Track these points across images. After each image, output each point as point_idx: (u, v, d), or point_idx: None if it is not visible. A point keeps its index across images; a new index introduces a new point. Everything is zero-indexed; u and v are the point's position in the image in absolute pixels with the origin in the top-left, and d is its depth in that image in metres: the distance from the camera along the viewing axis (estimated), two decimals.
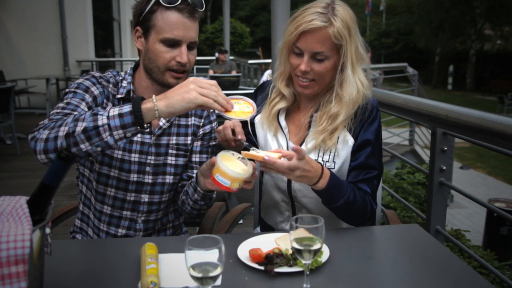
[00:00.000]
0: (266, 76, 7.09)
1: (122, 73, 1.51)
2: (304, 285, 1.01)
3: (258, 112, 1.57)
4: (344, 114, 1.41)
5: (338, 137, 1.44)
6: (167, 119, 1.50)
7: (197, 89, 1.15)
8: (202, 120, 1.58)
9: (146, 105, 1.14)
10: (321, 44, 1.36)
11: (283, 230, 1.54)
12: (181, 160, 1.54)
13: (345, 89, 1.41)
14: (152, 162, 1.49)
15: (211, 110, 1.57)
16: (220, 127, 1.33)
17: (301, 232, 0.98)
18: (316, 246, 0.98)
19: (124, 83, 1.47)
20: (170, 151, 1.52)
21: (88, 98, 1.38)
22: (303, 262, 0.99)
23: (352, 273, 1.13)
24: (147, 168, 1.49)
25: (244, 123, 1.35)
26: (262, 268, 1.10)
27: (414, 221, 4.00)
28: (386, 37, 34.33)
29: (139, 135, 1.47)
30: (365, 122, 1.44)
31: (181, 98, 1.14)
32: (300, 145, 1.48)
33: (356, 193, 1.38)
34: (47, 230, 0.91)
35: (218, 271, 0.88)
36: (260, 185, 1.68)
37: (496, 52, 30.22)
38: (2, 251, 0.79)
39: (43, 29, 9.67)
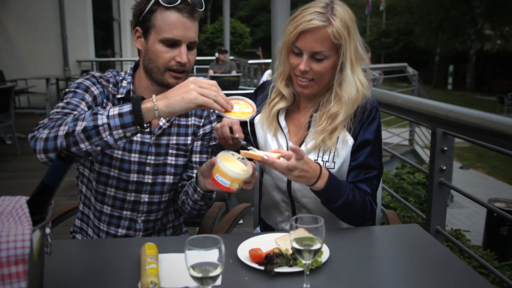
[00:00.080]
0: (266, 76, 7.09)
1: (122, 73, 1.51)
2: (304, 285, 1.01)
3: (258, 112, 1.57)
4: (343, 114, 1.41)
5: (337, 137, 1.44)
6: (167, 119, 1.50)
7: (197, 89, 1.15)
8: (202, 120, 1.58)
9: (146, 105, 1.14)
10: (320, 43, 1.36)
11: (283, 230, 1.54)
12: (181, 160, 1.54)
13: (344, 89, 1.41)
14: (152, 162, 1.49)
15: (211, 110, 1.57)
16: (218, 125, 1.34)
17: (301, 232, 0.98)
18: (316, 246, 0.98)
19: (124, 83, 1.47)
20: (170, 151, 1.52)
21: (88, 97, 1.38)
22: (303, 262, 0.99)
23: (352, 273, 1.13)
24: (147, 168, 1.49)
25: (243, 124, 1.35)
26: (262, 268, 1.10)
27: (414, 221, 4.00)
28: (386, 37, 34.33)
29: (139, 135, 1.47)
30: (365, 122, 1.44)
31: (181, 98, 1.14)
32: (300, 145, 1.48)
33: (355, 193, 1.38)
34: (47, 230, 0.91)
35: (218, 271, 0.88)
36: (260, 185, 1.68)
37: (496, 52, 30.22)
38: (2, 251, 0.79)
39: (43, 29, 9.67)
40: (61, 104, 1.33)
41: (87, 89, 1.39)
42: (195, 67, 10.13)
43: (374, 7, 32.82)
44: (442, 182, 2.23)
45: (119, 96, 1.46)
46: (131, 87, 1.46)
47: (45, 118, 1.27)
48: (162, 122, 1.50)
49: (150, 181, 1.50)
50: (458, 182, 8.77)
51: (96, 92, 1.41)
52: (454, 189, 2.26)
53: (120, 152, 1.45)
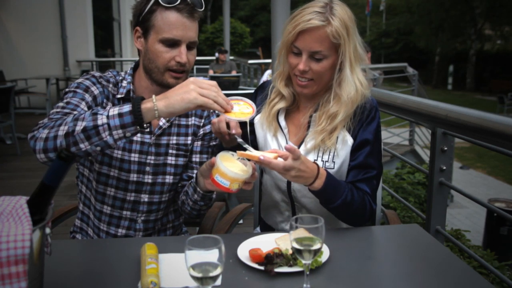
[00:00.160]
0: (266, 76, 7.08)
1: (122, 73, 1.51)
2: (304, 285, 1.01)
3: (258, 112, 1.57)
4: (343, 114, 1.41)
5: (337, 137, 1.44)
6: (167, 119, 1.50)
7: (197, 89, 1.15)
8: (203, 120, 1.58)
9: (146, 105, 1.14)
10: (319, 43, 1.36)
11: (283, 230, 1.54)
12: (181, 160, 1.54)
13: (343, 89, 1.41)
14: (152, 162, 1.49)
15: (211, 110, 1.57)
16: (215, 120, 1.33)
17: (301, 232, 0.98)
18: (316, 246, 0.98)
19: (124, 83, 1.47)
20: (170, 151, 1.52)
21: (88, 97, 1.38)
22: (303, 262, 0.99)
23: (352, 273, 1.13)
24: (147, 168, 1.49)
25: (243, 124, 1.35)
26: (262, 268, 1.10)
27: (414, 221, 4.00)
28: (386, 37, 34.33)
29: (139, 135, 1.47)
30: (364, 122, 1.44)
31: (180, 98, 1.14)
32: (300, 145, 1.48)
33: (354, 193, 1.38)
34: (47, 230, 0.91)
35: (218, 271, 0.88)
36: (260, 185, 1.68)
37: (496, 52, 30.22)
38: (2, 251, 0.79)
39: (43, 29, 9.67)
40: (61, 104, 1.33)
41: (87, 89, 1.39)
42: (195, 67, 10.13)
43: (374, 7, 32.82)
44: (442, 182, 2.23)
45: (119, 96, 1.46)
46: (131, 87, 1.46)
47: (45, 118, 1.27)
48: (162, 122, 1.50)
49: (150, 181, 1.50)
50: (458, 182, 8.78)
51: (96, 92, 1.41)
52: (454, 189, 2.26)
53: (120, 152, 1.45)
